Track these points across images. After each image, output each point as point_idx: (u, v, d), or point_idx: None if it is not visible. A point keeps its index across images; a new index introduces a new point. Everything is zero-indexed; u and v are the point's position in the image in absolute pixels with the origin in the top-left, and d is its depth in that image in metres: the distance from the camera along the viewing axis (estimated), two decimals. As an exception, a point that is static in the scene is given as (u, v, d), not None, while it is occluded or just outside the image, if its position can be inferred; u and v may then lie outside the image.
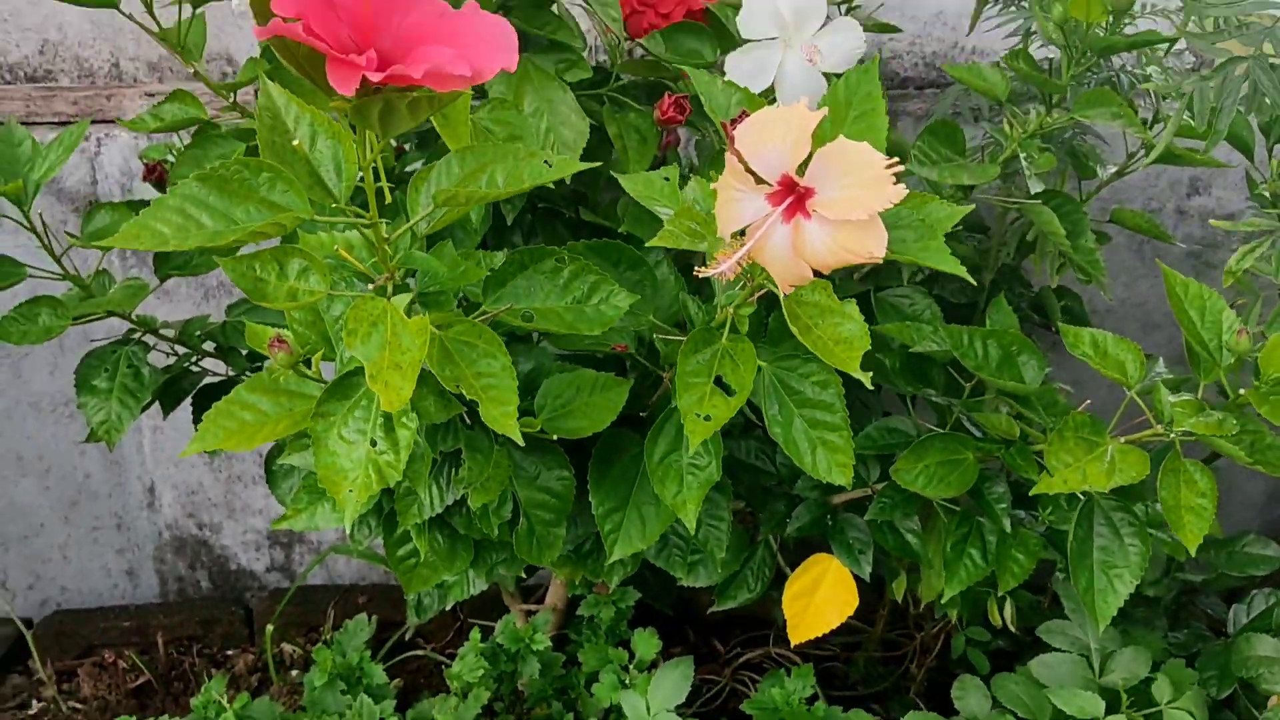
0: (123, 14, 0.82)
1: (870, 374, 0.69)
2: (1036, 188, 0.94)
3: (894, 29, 1.31)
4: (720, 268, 0.62)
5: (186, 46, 0.84)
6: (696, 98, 0.97)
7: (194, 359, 1.14)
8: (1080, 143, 1.16)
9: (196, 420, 1.14)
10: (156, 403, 1.12)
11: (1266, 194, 0.81)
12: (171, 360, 1.14)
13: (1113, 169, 1.23)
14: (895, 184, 0.59)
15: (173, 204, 0.58)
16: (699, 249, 0.67)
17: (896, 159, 0.59)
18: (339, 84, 0.55)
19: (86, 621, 1.54)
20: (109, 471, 1.59)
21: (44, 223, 0.99)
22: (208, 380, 1.15)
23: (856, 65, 0.95)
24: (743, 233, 0.64)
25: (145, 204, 1.05)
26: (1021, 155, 0.96)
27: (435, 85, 0.57)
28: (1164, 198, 1.52)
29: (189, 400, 1.14)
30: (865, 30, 1.21)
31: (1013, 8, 1.14)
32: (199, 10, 0.84)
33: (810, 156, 0.61)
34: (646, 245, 0.68)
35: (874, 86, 0.68)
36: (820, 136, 0.65)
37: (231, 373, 1.14)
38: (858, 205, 0.59)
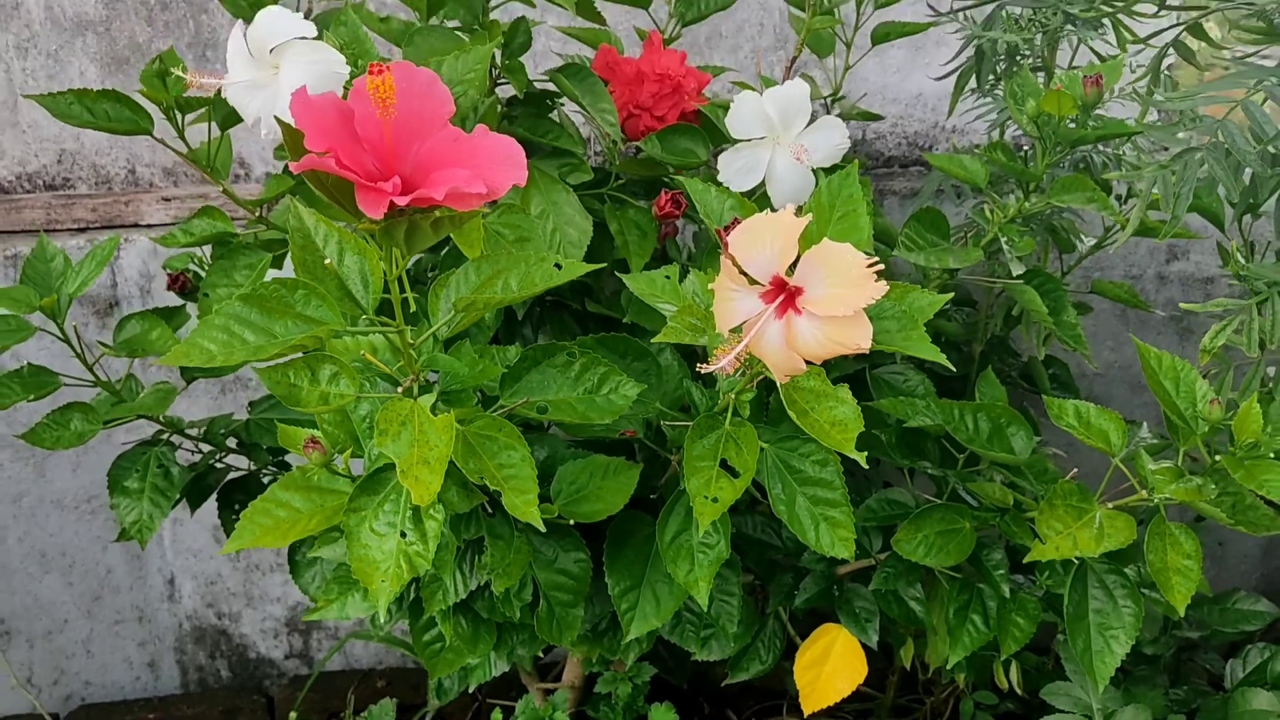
0: (155, 139, 0.88)
1: (865, 454, 0.73)
2: (1018, 270, 1.00)
3: (877, 117, 1.39)
4: (721, 363, 0.67)
5: (215, 166, 0.90)
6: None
7: (218, 455, 1.19)
8: (1059, 219, 1.22)
9: (222, 514, 1.19)
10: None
11: (1238, 271, 0.86)
12: (196, 457, 1.19)
13: (1091, 241, 1.29)
14: (876, 281, 0.64)
15: (218, 323, 0.63)
16: (700, 344, 0.72)
17: (877, 259, 0.65)
18: (368, 209, 0.61)
19: (111, 715, 1.57)
20: (130, 565, 1.63)
21: (78, 334, 1.04)
22: (232, 475, 1.19)
23: (839, 169, 1.02)
24: (739, 329, 0.69)
25: (171, 311, 1.11)
26: (1003, 240, 1.01)
27: (455, 205, 0.62)
28: (1144, 264, 1.58)
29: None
30: (850, 119, 1.28)
31: (988, 98, 1.21)
32: (226, 131, 0.90)
33: (798, 258, 0.67)
34: (653, 340, 0.73)
35: (854, 189, 0.74)
36: (807, 237, 0.71)
37: (254, 467, 1.19)
38: (843, 303, 0.64)
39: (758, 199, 1.05)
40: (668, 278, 0.80)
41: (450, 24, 1.04)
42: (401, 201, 0.59)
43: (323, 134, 0.62)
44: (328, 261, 0.66)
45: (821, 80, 1.32)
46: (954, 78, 1.24)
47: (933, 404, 1.00)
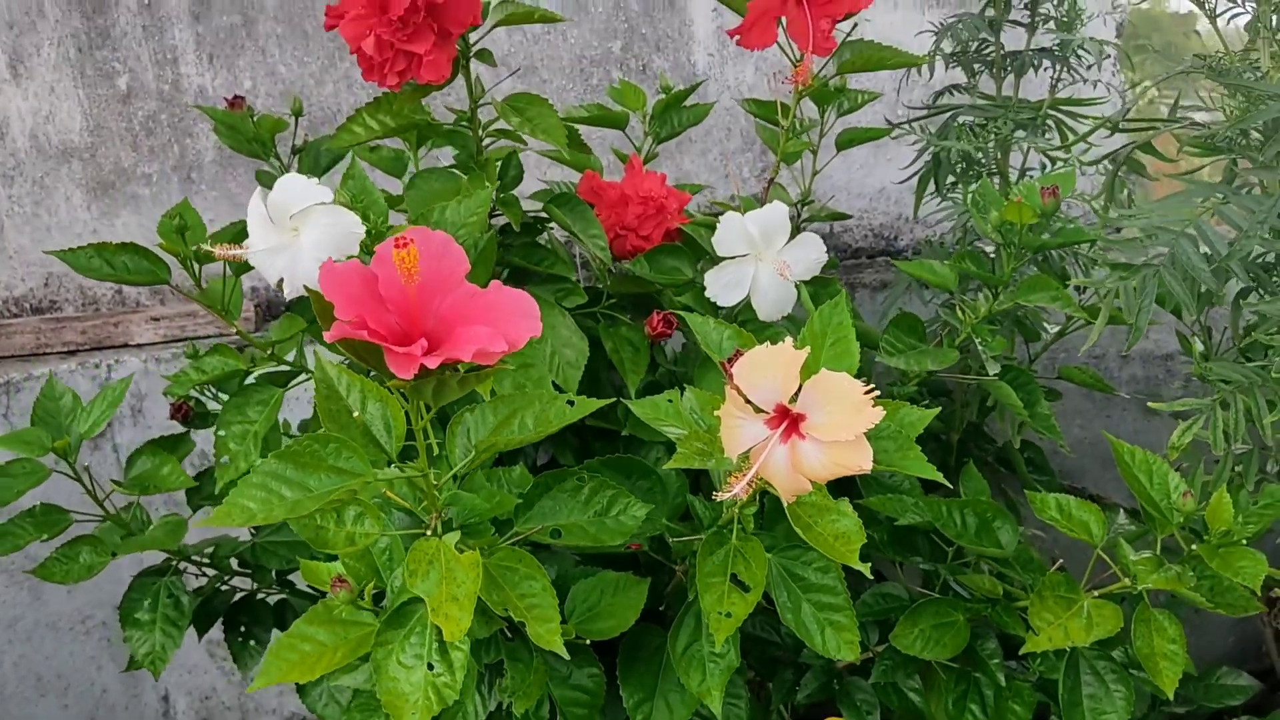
0: (171, 287, 0.91)
1: (869, 564, 0.77)
2: (994, 369, 1.05)
3: (845, 216, 1.45)
4: (734, 490, 0.71)
5: (228, 309, 0.94)
6: (680, 310, 1.08)
7: (223, 578, 1.21)
8: (1024, 312, 1.28)
9: (229, 636, 1.20)
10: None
11: (1199, 372, 0.92)
12: (202, 581, 1.21)
13: (1055, 329, 1.36)
14: (874, 407, 0.69)
15: (256, 481, 0.67)
16: (708, 467, 0.77)
17: (873, 386, 0.69)
18: (399, 371, 0.65)
19: (110, 841, 1.55)
20: (125, 685, 1.63)
21: (89, 473, 1.06)
22: (237, 597, 1.21)
23: (820, 280, 1.08)
24: (747, 454, 0.73)
25: (175, 440, 1.14)
26: (977, 341, 1.07)
27: (480, 361, 0.66)
28: (1105, 344, 1.65)
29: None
30: (820, 220, 1.34)
31: (948, 202, 1.28)
32: (240, 275, 0.94)
33: (800, 386, 0.71)
34: (662, 467, 0.77)
35: (844, 317, 0.79)
36: (803, 365, 0.76)
37: (259, 588, 1.21)
38: (844, 428, 0.69)
39: (742, 309, 1.11)
40: (669, 401, 0.85)
41: (444, 159, 1.09)
42: (431, 364, 0.63)
43: (350, 302, 0.66)
44: (356, 415, 0.70)
45: (787, 179, 1.39)
46: (916, 179, 1.31)
47: (921, 502, 1.05)
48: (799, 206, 1.34)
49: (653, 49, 1.64)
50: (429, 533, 0.74)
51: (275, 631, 1.19)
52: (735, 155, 1.70)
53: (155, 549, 1.06)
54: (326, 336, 0.64)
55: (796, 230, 1.31)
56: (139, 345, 1.61)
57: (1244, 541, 0.90)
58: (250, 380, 0.97)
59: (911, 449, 0.74)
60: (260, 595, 1.22)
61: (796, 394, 0.72)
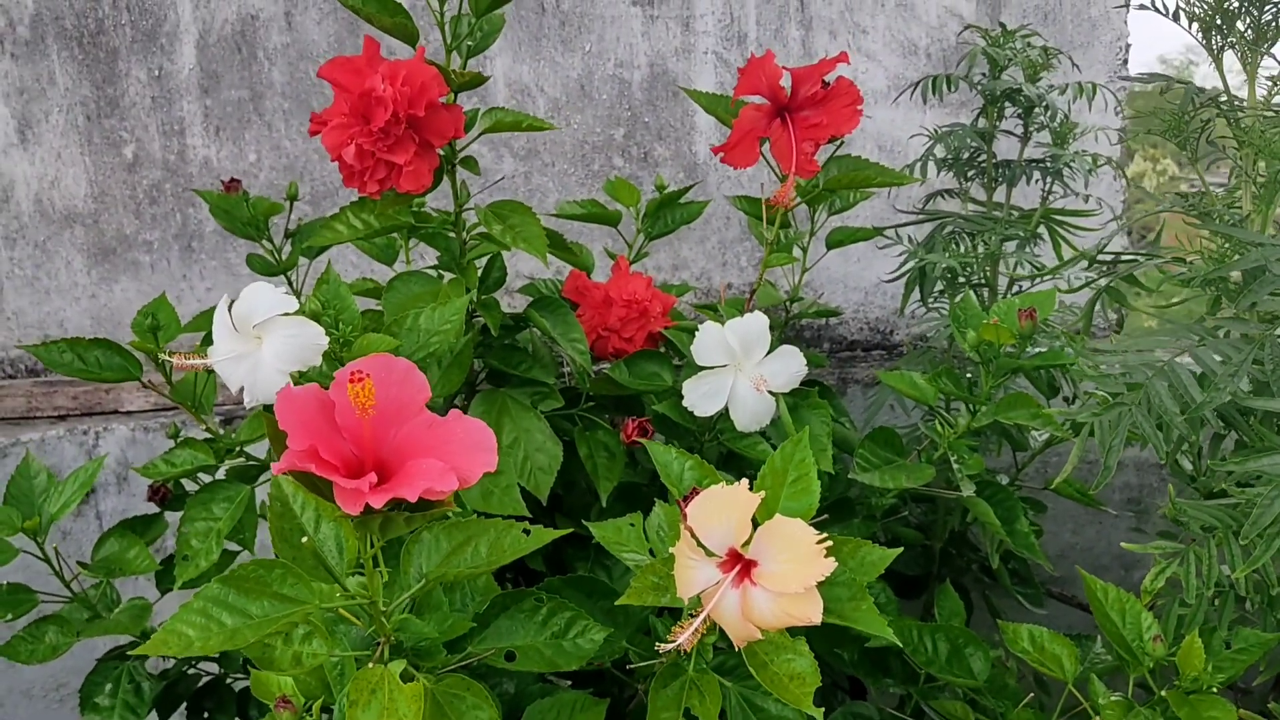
0: (143, 383, 0.91)
1: (823, 709, 0.76)
2: (968, 490, 1.04)
3: (835, 313, 1.44)
4: (679, 640, 0.70)
5: (200, 402, 0.94)
6: (658, 417, 1.07)
7: (190, 662, 1.20)
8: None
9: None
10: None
11: (1173, 515, 0.91)
12: (169, 663, 1.20)
13: (1044, 436, 1.34)
14: (826, 558, 0.68)
15: (196, 607, 0.66)
16: (663, 604, 0.76)
17: (826, 536, 0.68)
18: (345, 506, 0.64)
19: None
20: (96, 753, 1.61)
21: (57, 552, 1.06)
22: (203, 682, 1.20)
23: (800, 392, 1.07)
24: (699, 597, 0.72)
25: (149, 521, 1.13)
26: (953, 459, 1.06)
27: (430, 497, 0.66)
28: (1095, 450, 1.63)
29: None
30: (809, 317, 1.34)
31: (933, 312, 1.28)
32: (211, 374, 0.94)
33: (753, 532, 0.70)
34: (616, 604, 0.76)
35: (806, 455, 0.78)
36: (764, 501, 0.75)
37: (225, 673, 1.20)
38: (795, 579, 0.68)
39: (721, 417, 1.10)
40: (632, 525, 0.84)
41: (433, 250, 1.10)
42: (376, 503, 0.63)
43: (305, 429, 0.65)
44: (305, 540, 0.70)
45: (781, 273, 1.38)
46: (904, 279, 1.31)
47: (892, 624, 1.03)
48: (788, 304, 1.34)
49: (655, 137, 1.65)
50: (375, 658, 0.73)
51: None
52: (734, 245, 1.70)
53: (119, 634, 1.05)
54: (274, 468, 0.63)
55: (786, 326, 1.32)
56: (129, 412, 1.61)
57: (1214, 689, 0.88)
58: (219, 475, 0.97)
59: (864, 601, 0.73)
60: (227, 680, 1.21)
61: (750, 540, 0.71)
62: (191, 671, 1.21)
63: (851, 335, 1.74)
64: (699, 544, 0.71)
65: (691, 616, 0.71)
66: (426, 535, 0.77)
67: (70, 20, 1.58)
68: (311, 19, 1.60)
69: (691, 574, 0.72)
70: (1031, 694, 0.98)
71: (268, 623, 0.67)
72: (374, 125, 0.88)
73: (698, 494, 0.72)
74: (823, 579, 0.67)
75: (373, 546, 0.69)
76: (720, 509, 0.70)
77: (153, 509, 1.16)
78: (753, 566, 0.70)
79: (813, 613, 0.68)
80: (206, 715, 1.19)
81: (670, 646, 0.70)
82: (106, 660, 1.12)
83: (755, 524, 0.70)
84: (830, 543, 0.68)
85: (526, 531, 0.76)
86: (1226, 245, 0.88)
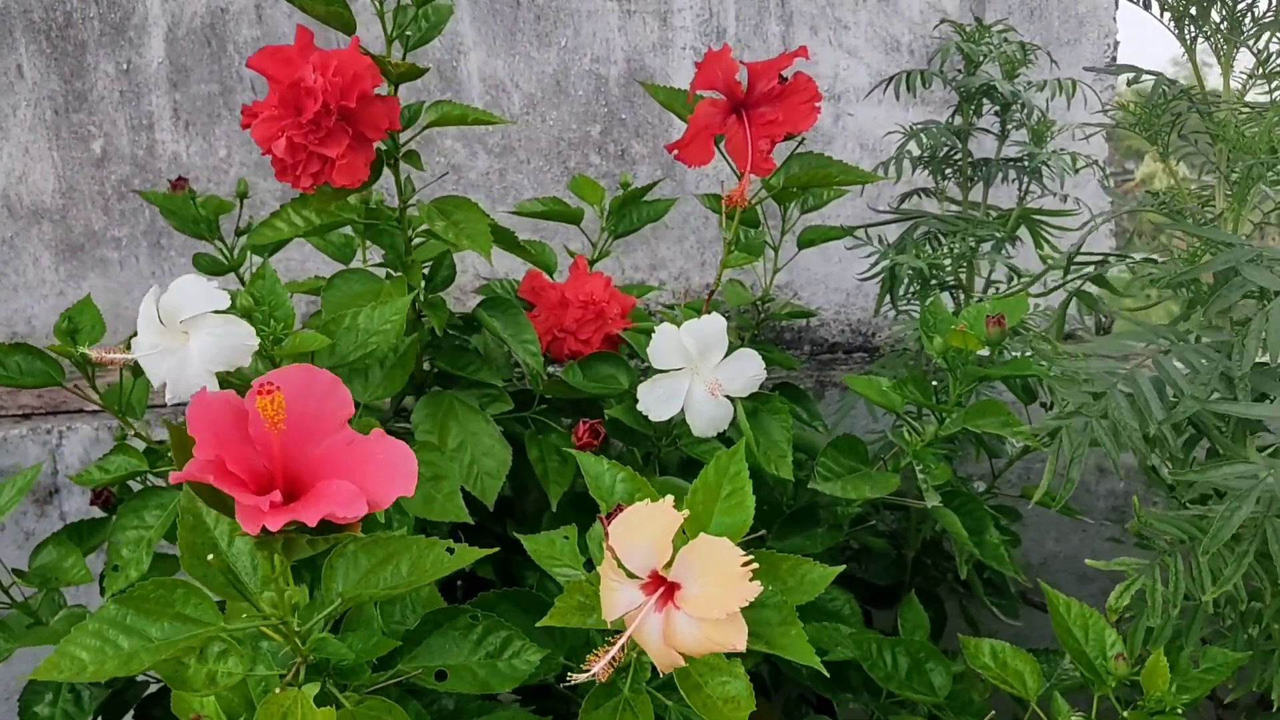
0: (66, 388, 0.89)
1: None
2: (934, 501, 1.00)
3: (810, 314, 1.41)
4: (594, 670, 0.67)
5: (131, 404, 0.91)
6: (614, 421, 1.04)
7: (140, 670, 1.17)
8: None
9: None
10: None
11: (1138, 530, 0.87)
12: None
13: (1021, 444, 1.30)
14: (751, 581, 0.65)
15: (92, 628, 0.63)
16: (588, 626, 0.72)
17: (752, 558, 0.65)
18: (245, 524, 0.61)
19: None
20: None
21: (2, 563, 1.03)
22: (150, 690, 1.17)
23: (759, 396, 1.03)
24: (623, 620, 0.69)
25: (94, 526, 1.11)
26: (918, 468, 1.02)
27: (333, 520, 0.62)
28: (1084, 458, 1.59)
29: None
30: (783, 319, 1.30)
31: (905, 315, 1.24)
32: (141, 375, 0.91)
33: (676, 553, 0.67)
34: (538, 625, 0.73)
35: (741, 467, 0.75)
36: (695, 516, 0.71)
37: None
38: (716, 604, 0.64)
39: (680, 423, 1.06)
40: (566, 538, 0.81)
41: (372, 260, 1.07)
42: (273, 525, 0.59)
43: (214, 438, 0.62)
44: (211, 558, 0.67)
45: (756, 273, 1.34)
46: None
47: (852, 637, 1.00)
48: (758, 305, 1.30)
49: (632, 134, 1.62)
50: (289, 679, 0.70)
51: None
52: (713, 244, 1.66)
53: (55, 642, 1.03)
54: (172, 477, 0.60)
55: (759, 328, 1.28)
56: (93, 412, 1.59)
57: (1179, 710, 0.85)
58: (151, 483, 0.94)
59: (794, 627, 0.69)
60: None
61: (673, 561, 0.67)
62: (140, 678, 1.18)
63: (833, 337, 1.70)
64: (619, 565, 0.67)
65: (608, 644, 0.67)
66: (349, 551, 0.74)
67: (39, 13, 1.55)
68: (282, 12, 1.57)
69: (615, 596, 0.68)
70: (993, 712, 0.94)
71: (167, 645, 0.64)
72: (304, 117, 0.84)
73: (620, 511, 0.69)
74: (748, 603, 0.64)
75: (279, 568, 0.66)
76: (641, 527, 0.67)
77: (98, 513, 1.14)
78: (676, 589, 0.67)
79: (736, 640, 0.65)
80: (156, 724, 1.16)
81: (584, 677, 0.66)
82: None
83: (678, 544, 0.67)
84: (756, 564, 0.65)
85: (450, 550, 0.72)
86: (1198, 245, 0.84)
